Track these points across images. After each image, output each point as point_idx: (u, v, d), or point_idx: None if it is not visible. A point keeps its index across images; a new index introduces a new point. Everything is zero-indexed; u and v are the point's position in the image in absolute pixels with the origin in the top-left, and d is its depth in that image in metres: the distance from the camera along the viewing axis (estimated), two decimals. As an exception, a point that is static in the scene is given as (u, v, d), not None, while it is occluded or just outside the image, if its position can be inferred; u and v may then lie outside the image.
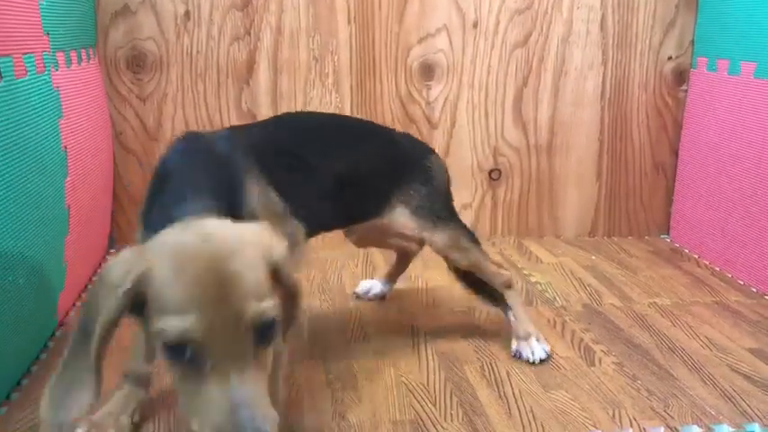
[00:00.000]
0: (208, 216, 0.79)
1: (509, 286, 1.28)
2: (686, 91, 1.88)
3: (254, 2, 1.71)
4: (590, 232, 1.96)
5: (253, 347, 0.70)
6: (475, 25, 1.79)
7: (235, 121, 1.76)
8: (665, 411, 1.09)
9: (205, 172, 0.92)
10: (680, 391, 1.15)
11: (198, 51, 1.72)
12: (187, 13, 1.69)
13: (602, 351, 1.28)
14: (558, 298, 1.53)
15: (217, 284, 0.68)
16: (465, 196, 1.89)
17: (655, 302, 1.51)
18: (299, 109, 1.77)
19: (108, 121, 1.69)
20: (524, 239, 1.92)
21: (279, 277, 0.75)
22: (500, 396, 1.12)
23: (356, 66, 1.77)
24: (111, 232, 1.78)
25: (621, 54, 1.85)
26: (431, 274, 1.64)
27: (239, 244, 0.72)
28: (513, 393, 1.13)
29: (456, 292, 1.54)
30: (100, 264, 1.65)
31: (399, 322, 1.39)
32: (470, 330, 1.36)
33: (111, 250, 1.76)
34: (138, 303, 0.71)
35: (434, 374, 1.19)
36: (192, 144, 0.98)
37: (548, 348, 1.25)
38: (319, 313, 1.42)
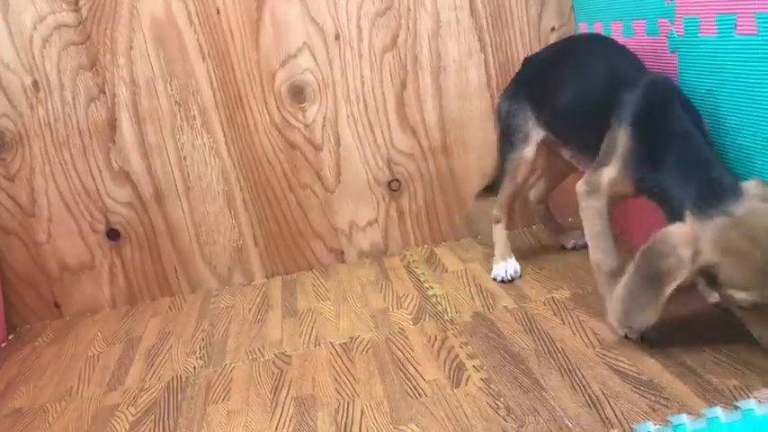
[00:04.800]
0: None
1: None
2: (579, 60, 1.76)
3: (101, 59, 1.65)
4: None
5: None
6: (337, 37, 1.70)
7: (109, 182, 1.71)
8: (516, 433, 0.99)
9: None
10: (542, 404, 1.04)
11: (56, 119, 1.67)
12: (35, 83, 1.65)
13: (475, 367, 1.18)
14: (449, 310, 1.43)
15: None
16: (368, 213, 1.80)
17: (552, 297, 1.40)
18: (171, 157, 1.71)
19: (-23, 207, 1.65)
20: (439, 246, 1.82)
21: None
22: (342, 443, 1.04)
23: (222, 102, 1.70)
24: (8, 317, 1.73)
25: (500, 36, 1.74)
26: (318, 306, 1.55)
27: None
28: (358, 437, 1.04)
29: (341, 323, 1.45)
30: (-9, 354, 1.61)
31: (270, 371, 1.31)
32: (340, 366, 1.27)
33: (10, 336, 1.72)
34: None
35: (283, 428, 1.10)
36: None
37: None
38: (190, 375, 1.35)
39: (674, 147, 1.11)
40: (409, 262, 1.75)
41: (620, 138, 1.18)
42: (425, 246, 1.84)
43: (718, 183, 1.03)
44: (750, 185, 1.03)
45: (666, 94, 1.17)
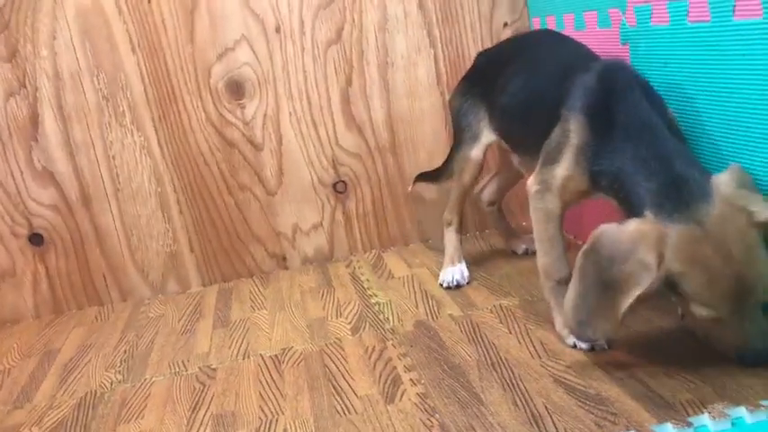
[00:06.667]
0: None
1: None
2: (533, 57, 1.68)
3: (21, 50, 1.54)
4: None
5: None
6: (277, 30, 1.61)
7: (31, 183, 1.59)
8: (449, 454, 0.89)
9: None
10: (480, 422, 0.95)
11: (-28, 115, 1.55)
12: (-51, 76, 1.53)
13: (411, 381, 1.09)
14: (391, 318, 1.33)
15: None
16: (312, 216, 1.70)
17: (500, 305, 1.31)
18: (99, 156, 1.60)
19: None
20: (387, 251, 1.73)
21: None
22: (258, 467, 0.93)
23: (154, 98, 1.59)
24: None
25: (450, 31, 1.66)
26: (253, 315, 1.45)
27: None
28: (276, 460, 0.94)
29: (275, 333, 1.35)
30: None
31: (192, 386, 1.20)
32: (268, 380, 1.17)
33: None
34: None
35: (197, 449, 1.00)
36: None
37: None
38: (105, 390, 1.23)
39: (634, 137, 1.00)
40: (355, 268, 1.65)
41: (573, 128, 1.07)
42: (373, 251, 1.74)
43: (684, 181, 0.92)
44: (721, 182, 0.92)
45: (623, 78, 1.06)
